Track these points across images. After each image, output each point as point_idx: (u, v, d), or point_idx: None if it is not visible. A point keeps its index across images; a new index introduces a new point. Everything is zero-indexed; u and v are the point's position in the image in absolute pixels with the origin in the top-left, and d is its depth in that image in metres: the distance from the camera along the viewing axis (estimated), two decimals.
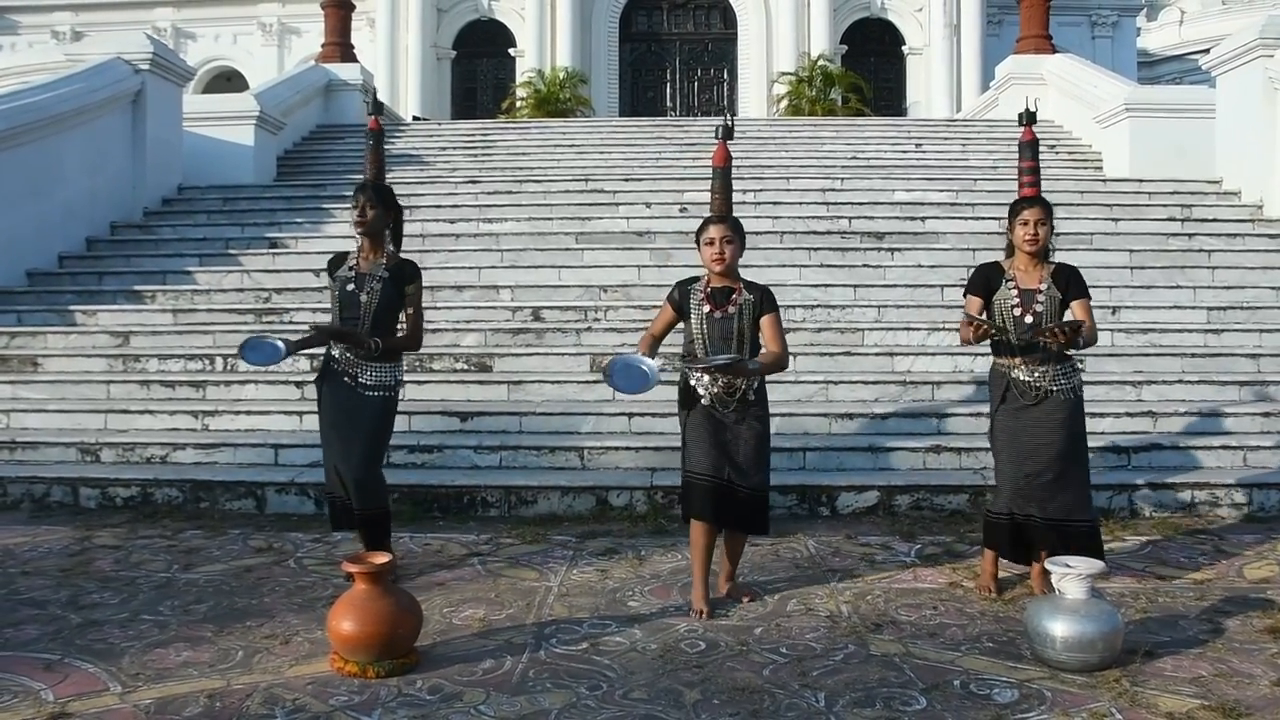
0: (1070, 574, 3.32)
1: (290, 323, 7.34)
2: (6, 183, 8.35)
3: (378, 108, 4.63)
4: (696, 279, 3.97)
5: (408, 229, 8.76)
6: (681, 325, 3.96)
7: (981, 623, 3.71)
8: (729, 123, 4.01)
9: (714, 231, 3.88)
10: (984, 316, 3.90)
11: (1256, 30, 9.10)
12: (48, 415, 6.47)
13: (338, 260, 4.26)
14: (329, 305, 4.36)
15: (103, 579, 4.31)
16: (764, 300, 3.90)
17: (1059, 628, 3.23)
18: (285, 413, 6.33)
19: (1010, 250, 4.03)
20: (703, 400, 3.82)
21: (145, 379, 6.83)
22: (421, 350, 6.70)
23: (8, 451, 6.05)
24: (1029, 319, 3.85)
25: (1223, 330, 7.18)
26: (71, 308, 7.89)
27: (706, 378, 3.77)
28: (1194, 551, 4.69)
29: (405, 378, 4.35)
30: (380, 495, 4.17)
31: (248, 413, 6.36)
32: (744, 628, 3.65)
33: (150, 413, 6.42)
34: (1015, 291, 3.90)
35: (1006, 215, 4.07)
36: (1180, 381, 6.50)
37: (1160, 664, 3.30)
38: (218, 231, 9.50)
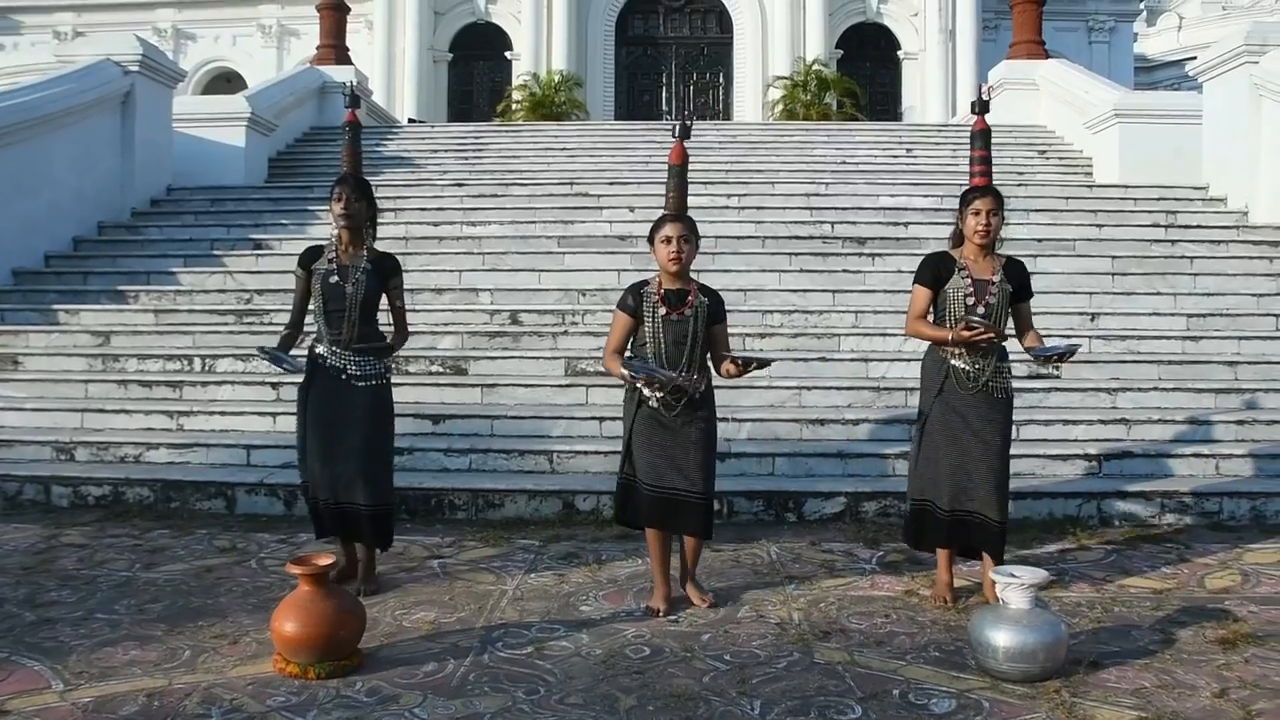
0: (1014, 583, 3.31)
1: (271, 323, 7.34)
2: None
3: (354, 101, 4.66)
4: (645, 282, 3.90)
5: (392, 230, 8.86)
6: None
7: (931, 631, 3.70)
8: (687, 122, 4.02)
9: (671, 230, 3.79)
10: (932, 310, 3.97)
11: (1242, 36, 9.08)
12: (25, 414, 6.50)
13: (314, 253, 4.23)
14: (292, 298, 4.33)
15: (63, 577, 4.33)
16: (717, 305, 3.88)
17: (1001, 637, 3.22)
18: (259, 414, 6.35)
19: (958, 239, 4.03)
20: (649, 404, 3.78)
21: (123, 379, 6.86)
22: (397, 353, 6.76)
23: None
24: (981, 309, 3.87)
25: (1201, 337, 7.15)
26: (55, 307, 7.92)
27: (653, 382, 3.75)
28: (1158, 560, 4.67)
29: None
30: (387, 490, 4.19)
31: (222, 413, 6.38)
32: (691, 634, 3.65)
33: (126, 412, 6.44)
34: (969, 281, 3.91)
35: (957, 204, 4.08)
36: (1156, 389, 6.48)
37: (1104, 675, 3.29)
38: (204, 233, 9.51)
